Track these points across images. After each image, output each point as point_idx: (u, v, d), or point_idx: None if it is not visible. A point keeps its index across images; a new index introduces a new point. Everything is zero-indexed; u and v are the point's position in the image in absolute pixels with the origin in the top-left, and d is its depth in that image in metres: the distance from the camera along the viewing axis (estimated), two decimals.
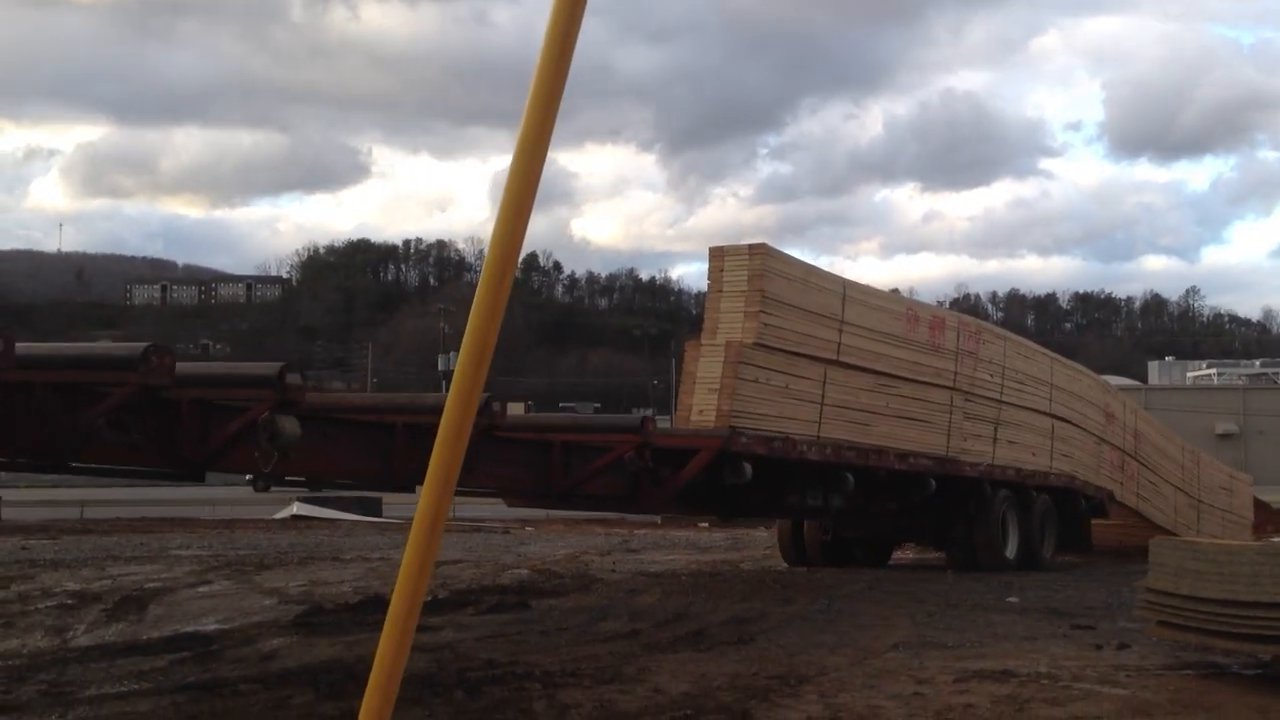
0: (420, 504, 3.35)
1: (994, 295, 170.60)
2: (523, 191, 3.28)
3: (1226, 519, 23.64)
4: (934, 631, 10.27)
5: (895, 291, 18.47)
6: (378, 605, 10.29)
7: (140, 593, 11.02)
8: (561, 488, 10.75)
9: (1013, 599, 12.96)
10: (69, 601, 10.65)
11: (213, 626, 9.50)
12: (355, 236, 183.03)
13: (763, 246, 12.67)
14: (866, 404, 14.19)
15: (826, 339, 13.54)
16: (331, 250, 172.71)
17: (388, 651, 3.29)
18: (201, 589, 11.70)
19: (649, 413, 13.82)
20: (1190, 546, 8.85)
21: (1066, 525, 18.02)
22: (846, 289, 14.04)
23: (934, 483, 14.78)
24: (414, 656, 8.02)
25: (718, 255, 12.78)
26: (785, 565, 16.96)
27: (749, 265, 12.53)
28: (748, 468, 11.99)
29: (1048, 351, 19.12)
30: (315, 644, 8.68)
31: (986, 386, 16.38)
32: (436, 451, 3.32)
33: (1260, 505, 26.65)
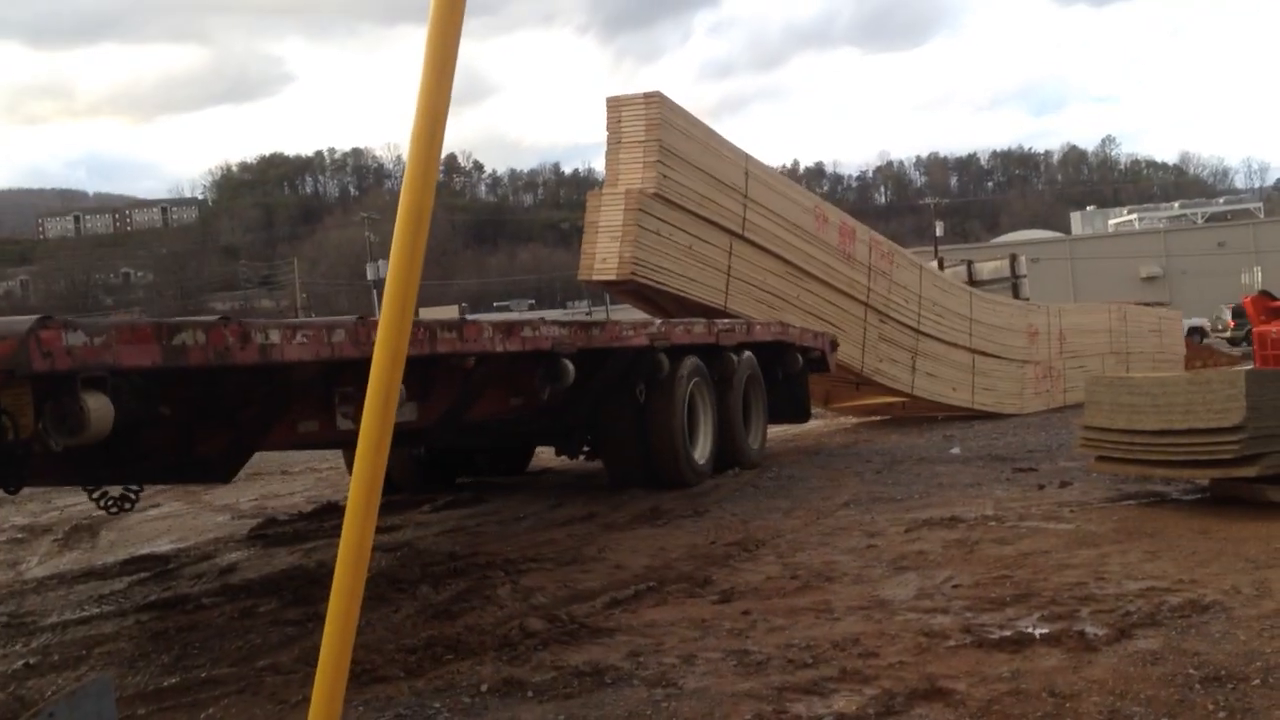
0: (363, 428, 3.16)
1: (916, 159, 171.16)
2: (438, 90, 3.11)
3: (1157, 359, 24.27)
4: (882, 487, 10.49)
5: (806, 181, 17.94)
6: (332, 512, 10.30)
7: (90, 521, 10.93)
8: None
9: (955, 450, 13.25)
10: (19, 535, 10.53)
11: (168, 547, 9.46)
12: (287, 147, 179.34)
13: (658, 95, 12.60)
14: (776, 288, 14.23)
15: (731, 209, 13.54)
16: (245, 167, 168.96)
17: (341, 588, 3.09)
18: (151, 512, 11.62)
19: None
20: (1124, 382, 9.07)
21: (778, 391, 13.16)
22: (750, 165, 14.06)
23: (571, 366, 8.56)
24: (375, 557, 8.07)
25: (614, 106, 12.72)
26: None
27: (645, 114, 12.49)
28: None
29: (965, 286, 19.29)
30: (274, 554, 8.68)
31: (902, 312, 16.44)
32: (374, 378, 3.14)
33: (1188, 342, 27.40)
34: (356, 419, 5.70)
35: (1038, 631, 5.38)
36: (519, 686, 4.97)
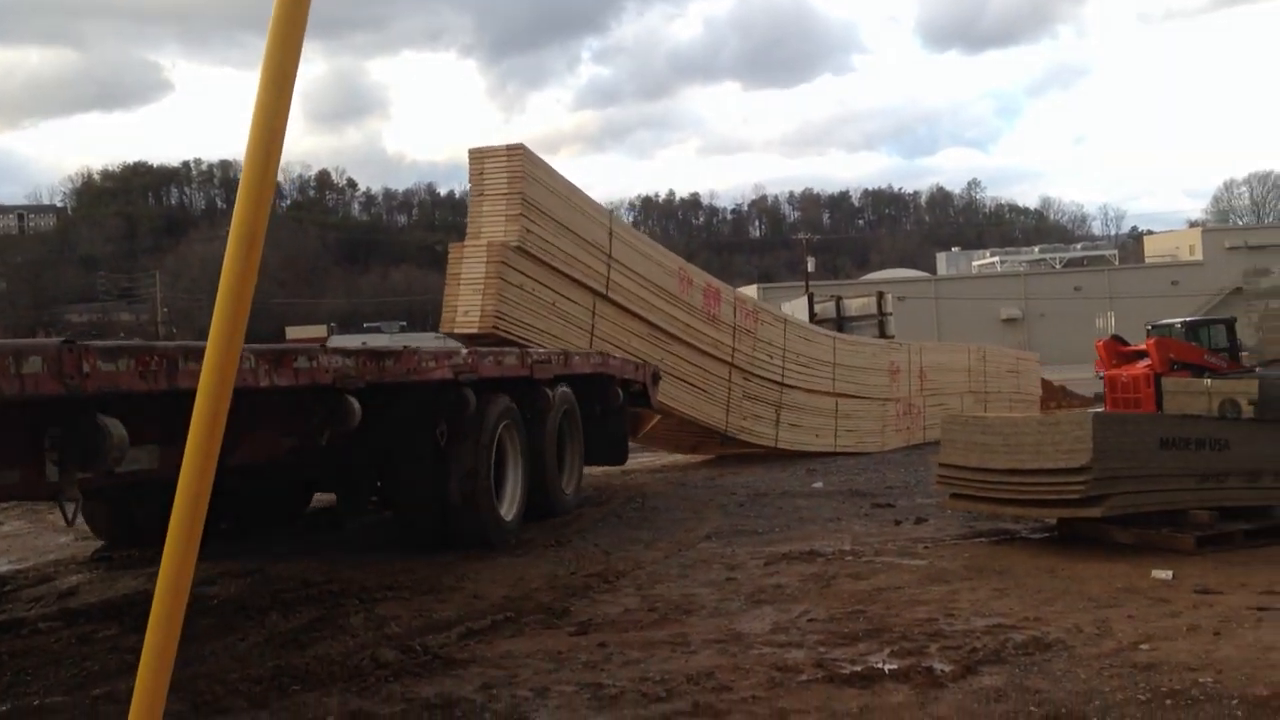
0: (188, 449, 2.98)
1: (790, 194, 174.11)
2: (275, 107, 2.97)
3: (1014, 399, 25.02)
4: (744, 520, 10.58)
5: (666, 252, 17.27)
6: None
7: None
8: None
9: (817, 484, 13.44)
10: None
11: (6, 567, 9.06)
12: (156, 156, 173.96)
13: (520, 147, 12.59)
14: (639, 350, 14.21)
15: (595, 269, 13.59)
16: (108, 175, 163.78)
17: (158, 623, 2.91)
18: None
19: None
20: (979, 421, 9.32)
21: (595, 430, 11.87)
22: (614, 224, 14.24)
23: (356, 405, 7.01)
24: (225, 582, 7.85)
25: (477, 157, 12.67)
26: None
27: (508, 167, 12.47)
28: None
29: (828, 332, 19.75)
30: (117, 578, 8.38)
31: (767, 368, 16.76)
32: (200, 402, 2.97)
33: (1045, 383, 28.31)
34: (70, 468, 4.87)
35: (887, 667, 5.46)
36: (367, 719, 4.86)
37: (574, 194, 13.63)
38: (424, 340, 10.99)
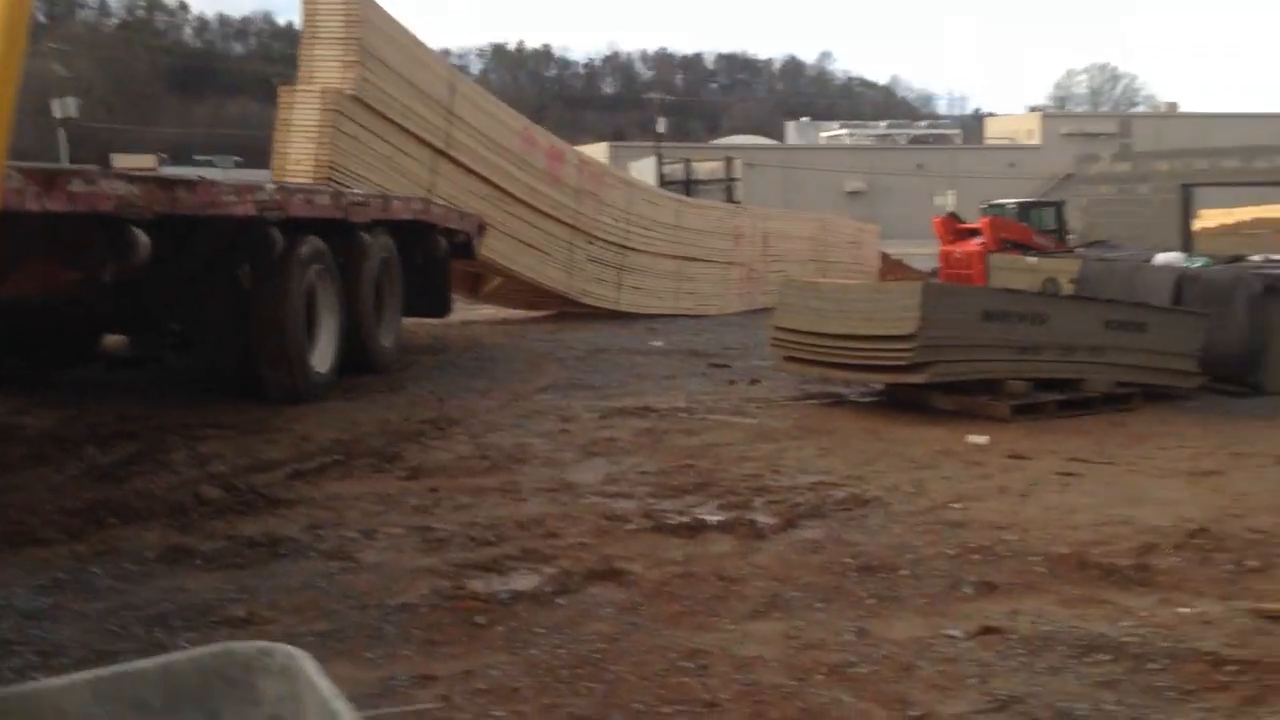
0: None
1: (644, 53, 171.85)
2: None
3: (853, 270, 25.57)
4: (582, 374, 10.65)
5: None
6: None
7: None
8: None
9: (657, 343, 13.58)
10: None
11: None
12: None
13: None
14: (479, 211, 13.94)
15: (435, 124, 13.24)
16: None
17: None
18: None
19: None
20: (813, 287, 9.50)
21: (416, 280, 11.25)
22: (456, 80, 13.88)
23: (144, 237, 6.38)
24: (39, 414, 7.55)
25: None
26: None
27: (346, 10, 11.97)
28: None
29: (674, 195, 19.70)
30: None
31: (609, 230, 16.65)
32: None
33: (884, 255, 29.00)
34: None
35: (713, 519, 5.60)
36: (188, 554, 4.78)
37: (416, 46, 13.27)
38: (261, 178, 10.51)
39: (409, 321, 11.59)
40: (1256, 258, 13.74)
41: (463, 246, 12.28)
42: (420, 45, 13.33)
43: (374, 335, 9.97)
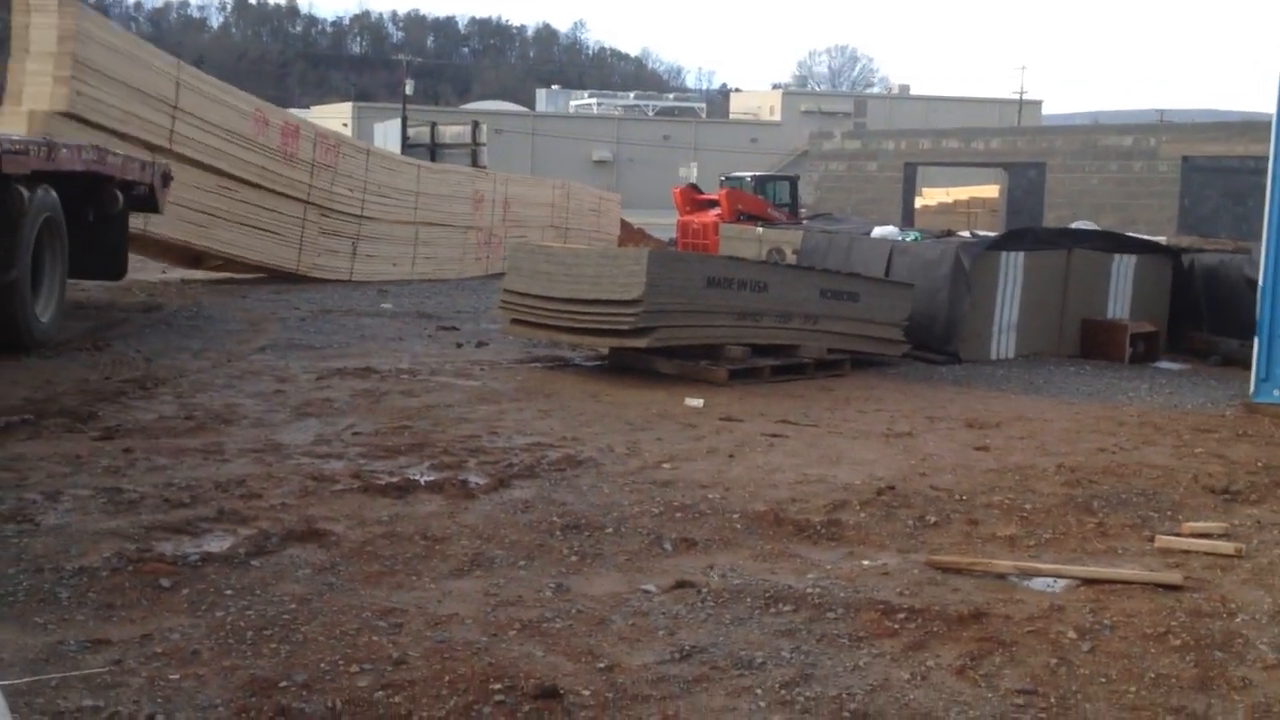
0: None
1: (395, 14, 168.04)
2: None
3: (593, 237, 25.76)
4: (304, 335, 10.36)
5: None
6: None
7: None
8: None
9: (386, 305, 13.34)
10: None
11: None
12: None
13: (74, 5, 11.39)
14: (208, 205, 13.58)
15: (157, 123, 12.70)
16: None
17: None
18: None
19: None
20: (544, 251, 9.51)
21: (89, 239, 9.97)
22: (182, 73, 13.32)
23: None
24: None
25: (22, 9, 11.26)
26: None
27: (59, 25, 11.19)
28: None
29: (413, 160, 19.39)
30: None
31: (345, 201, 16.37)
32: None
33: (625, 224, 29.36)
34: None
35: (424, 479, 5.54)
36: None
37: (137, 46, 12.89)
38: None
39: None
40: (965, 233, 14.61)
41: (144, 199, 11.03)
42: (141, 45, 13.02)
43: (28, 307, 8.57)
